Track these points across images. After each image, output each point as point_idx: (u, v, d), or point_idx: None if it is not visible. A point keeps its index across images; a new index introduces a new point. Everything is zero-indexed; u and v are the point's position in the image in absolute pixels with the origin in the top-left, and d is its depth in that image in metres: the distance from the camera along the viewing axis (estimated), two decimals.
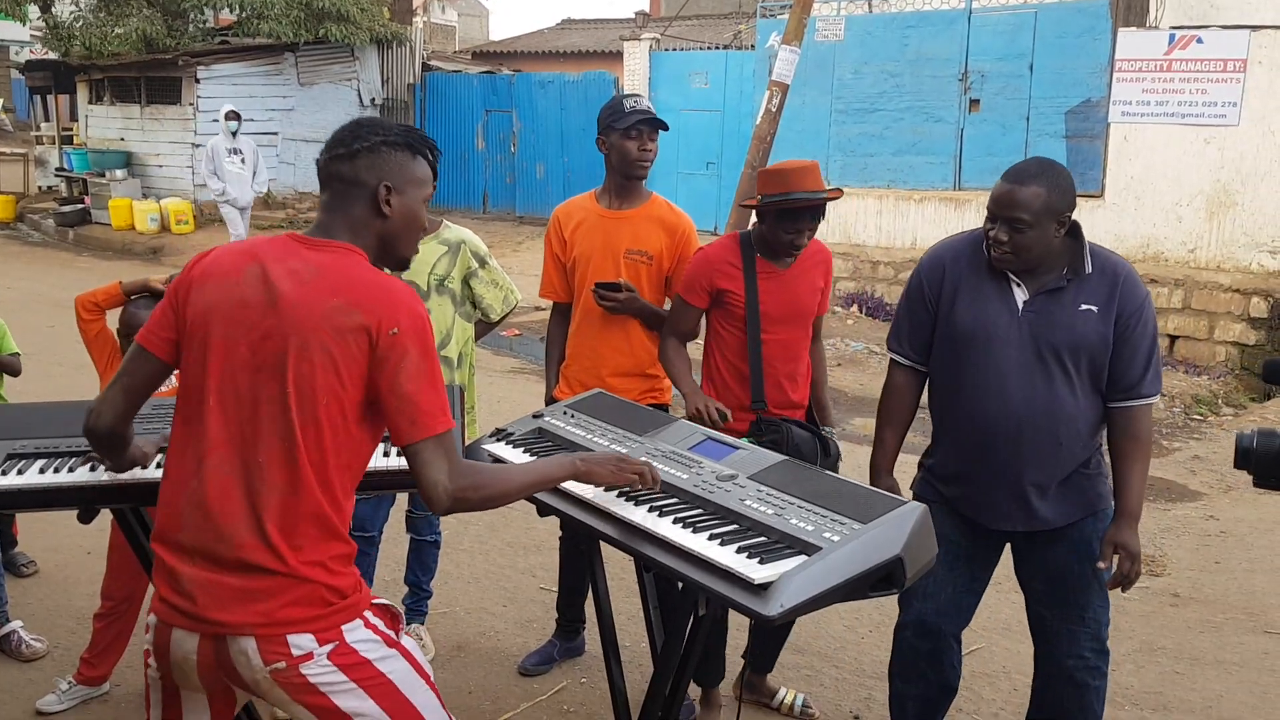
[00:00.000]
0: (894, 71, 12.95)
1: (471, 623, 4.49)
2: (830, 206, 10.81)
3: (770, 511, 2.18)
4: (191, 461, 2.05)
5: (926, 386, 3.23)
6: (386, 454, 2.52)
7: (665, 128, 3.73)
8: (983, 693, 4.05)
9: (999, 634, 4.50)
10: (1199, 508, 6.29)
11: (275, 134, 17.61)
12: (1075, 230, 2.92)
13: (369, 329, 2.01)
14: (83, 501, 2.46)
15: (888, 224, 12.93)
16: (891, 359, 3.23)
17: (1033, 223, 2.80)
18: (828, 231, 13.36)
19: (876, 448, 3.22)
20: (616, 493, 2.34)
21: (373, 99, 18.97)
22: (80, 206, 17.16)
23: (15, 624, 4.12)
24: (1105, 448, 3.08)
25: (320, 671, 2.01)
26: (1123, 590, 2.98)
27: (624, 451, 2.58)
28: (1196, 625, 4.64)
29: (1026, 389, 2.92)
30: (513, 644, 4.31)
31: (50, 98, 20.05)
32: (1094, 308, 2.89)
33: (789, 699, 3.84)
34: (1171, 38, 11.02)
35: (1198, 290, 10.55)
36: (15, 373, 4.35)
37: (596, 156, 3.78)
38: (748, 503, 2.24)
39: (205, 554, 2.02)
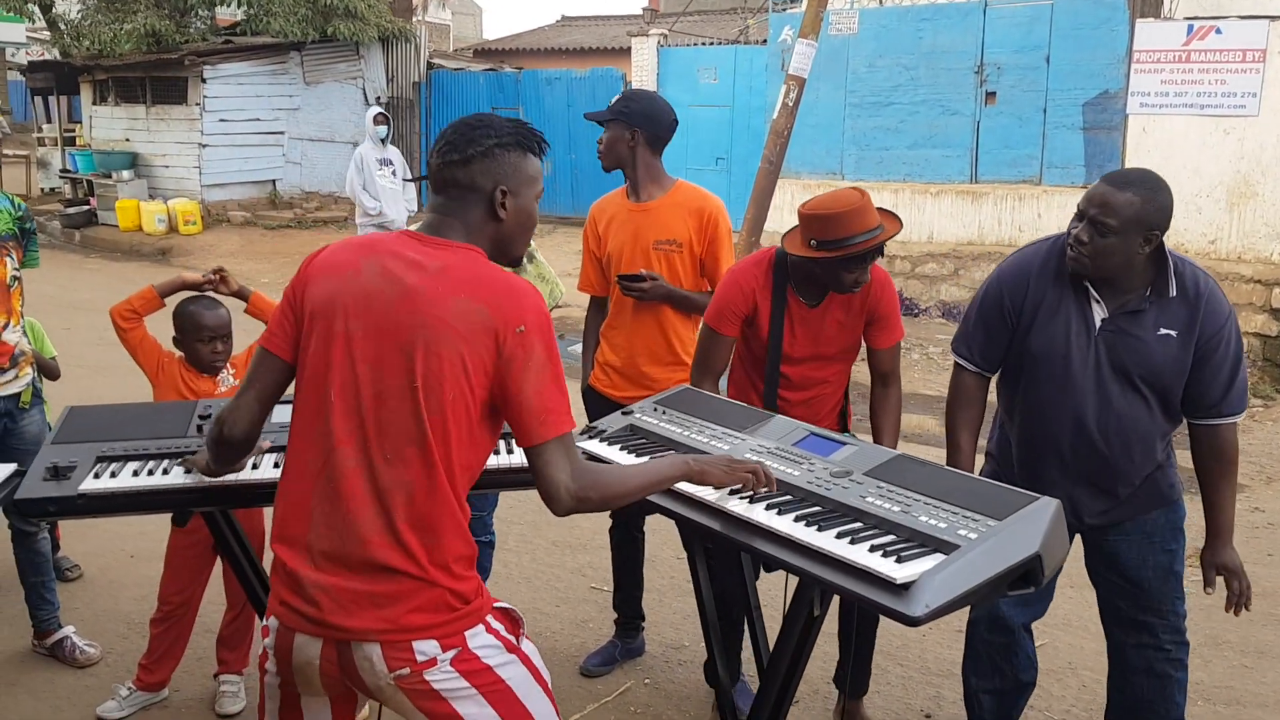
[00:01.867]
0: (909, 65, 12.89)
1: (526, 624, 4.43)
2: None
3: (896, 509, 2.13)
4: (316, 458, 2.00)
5: (998, 388, 3.16)
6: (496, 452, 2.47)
7: (601, 123, 3.72)
8: (1052, 690, 4.00)
9: (1060, 629, 4.45)
10: (1243, 500, 6.24)
11: (281, 133, 17.56)
12: (1161, 250, 2.82)
13: (496, 328, 1.97)
14: (178, 505, 2.40)
15: (904, 218, 12.84)
16: (957, 363, 3.12)
17: (1119, 229, 2.70)
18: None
19: (953, 451, 3.12)
20: (728, 491, 2.27)
21: (378, 97, 18.87)
22: (86, 208, 17.08)
23: (68, 629, 4.06)
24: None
25: (443, 678, 1.97)
26: (1235, 613, 2.96)
27: (726, 449, 2.52)
28: (1259, 618, 4.59)
29: (1101, 409, 2.86)
30: (570, 645, 4.26)
31: (52, 99, 19.93)
32: (1174, 333, 2.81)
33: None
34: (1190, 28, 10.97)
35: (1219, 281, 10.47)
36: (55, 376, 4.29)
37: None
38: (870, 499, 2.18)
39: (332, 555, 1.97)
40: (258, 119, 17.18)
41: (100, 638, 4.15)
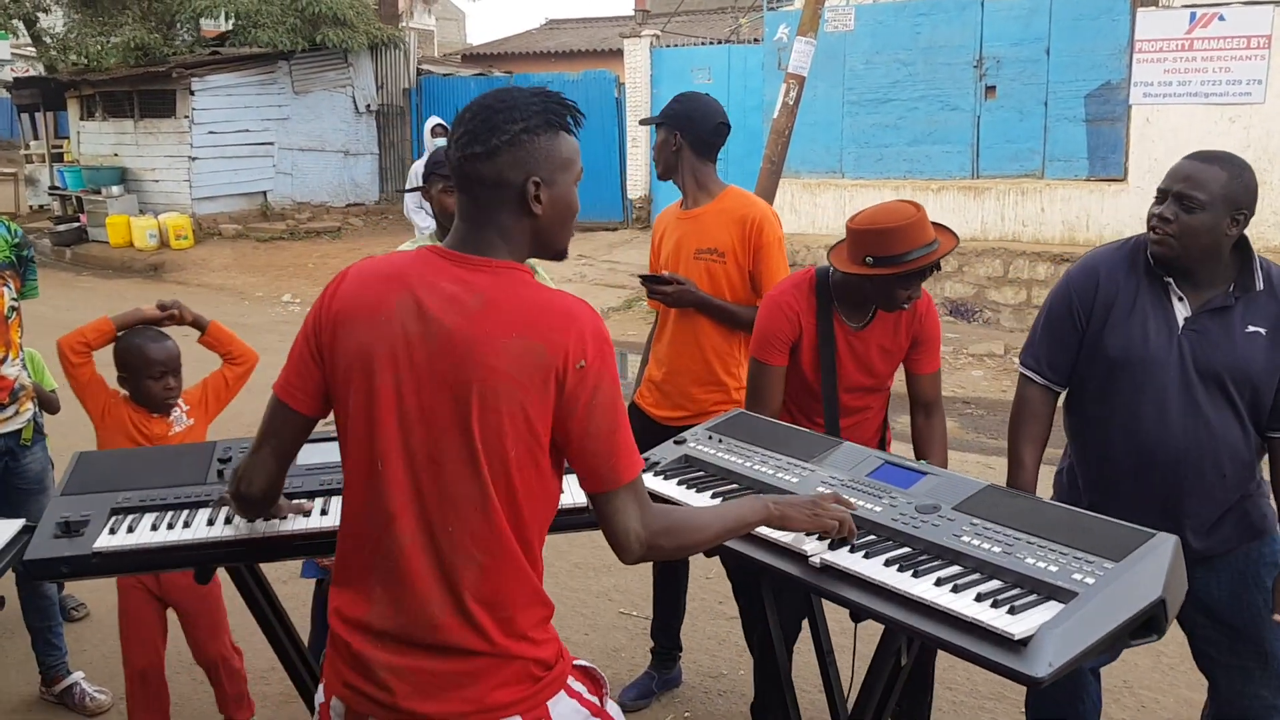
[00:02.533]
0: (906, 60, 12.72)
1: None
2: (848, 199, 10.60)
3: (997, 549, 1.94)
4: (371, 531, 1.79)
5: (1067, 406, 2.95)
6: None
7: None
8: (1111, 712, 3.81)
9: None
10: None
11: (271, 144, 17.33)
12: (1244, 243, 2.64)
13: (555, 366, 1.73)
14: (201, 560, 2.20)
15: None
16: (1024, 375, 2.92)
17: (1207, 204, 2.52)
18: (843, 225, 13.15)
19: (1015, 469, 2.90)
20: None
21: (368, 105, 18.69)
22: (76, 225, 16.83)
23: (77, 675, 3.87)
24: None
25: None
26: None
27: (795, 480, 2.33)
28: None
29: (1188, 417, 2.64)
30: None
31: (39, 115, 19.67)
32: (1262, 330, 2.62)
33: None
34: (1193, 16, 10.82)
35: None
36: (55, 410, 4.03)
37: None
38: (965, 539, 1.99)
39: (399, 637, 1.77)
40: (247, 130, 16.94)
41: (110, 682, 3.94)
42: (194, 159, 16.40)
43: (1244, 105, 10.61)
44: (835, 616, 2.71)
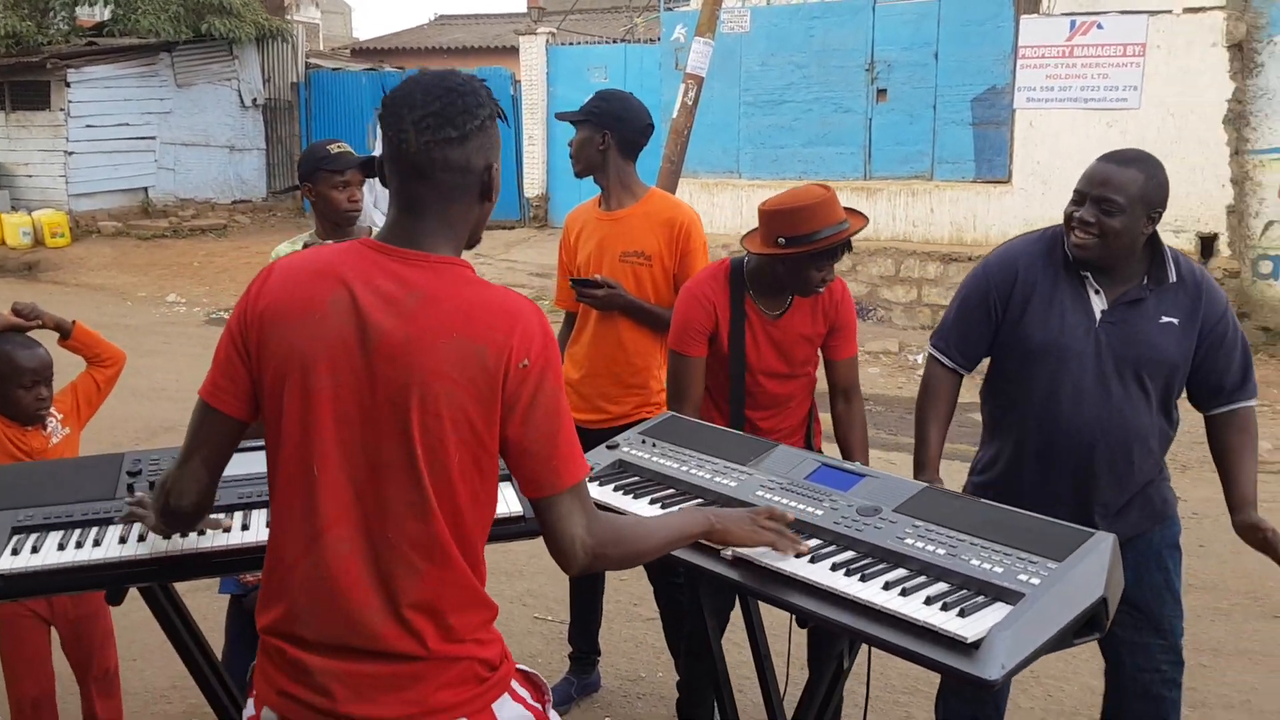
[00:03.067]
0: (801, 63, 12.90)
1: None
2: (744, 199, 10.72)
3: (942, 552, 1.94)
4: (302, 540, 1.70)
5: (984, 395, 3.03)
6: None
7: (573, 123, 3.50)
8: (1019, 702, 3.91)
9: None
10: None
11: (153, 138, 16.75)
12: (1155, 237, 2.72)
13: (497, 367, 1.66)
14: (114, 580, 2.07)
15: None
16: (934, 356, 2.99)
17: (1125, 207, 2.59)
18: (740, 224, 13.27)
19: (920, 445, 2.95)
20: None
21: (254, 99, 18.18)
22: None
23: None
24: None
25: None
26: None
27: (732, 485, 2.31)
28: (1206, 613, 4.60)
29: (1102, 406, 2.72)
30: None
31: None
32: (1175, 320, 2.71)
33: None
34: (1073, 24, 11.20)
35: None
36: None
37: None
38: (909, 541, 1.99)
39: (336, 645, 1.69)
40: (127, 124, 16.31)
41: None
42: (70, 154, 15.73)
43: (1121, 110, 11.01)
44: (768, 619, 2.71)
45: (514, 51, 18.15)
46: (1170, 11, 10.67)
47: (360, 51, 25.52)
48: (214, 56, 17.34)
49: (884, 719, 3.82)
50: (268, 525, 2.14)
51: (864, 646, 2.22)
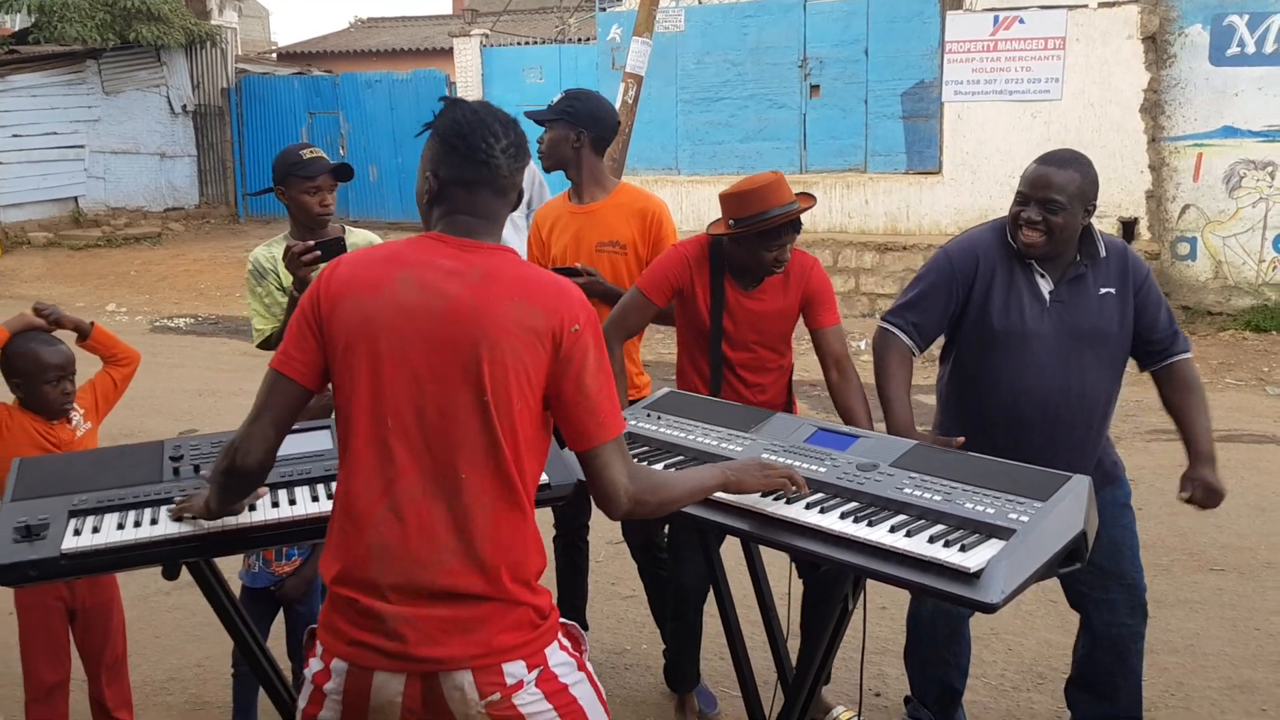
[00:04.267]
0: (735, 60, 13.17)
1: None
2: (684, 195, 11.03)
3: (939, 498, 2.17)
4: (375, 489, 1.88)
5: (946, 378, 3.25)
6: None
7: (542, 122, 3.66)
8: (983, 656, 4.16)
9: None
10: None
11: (82, 147, 16.50)
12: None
13: (552, 329, 1.89)
14: (171, 556, 2.20)
15: None
16: (890, 331, 3.11)
17: (1066, 205, 2.87)
18: (680, 219, 13.49)
19: (891, 407, 3.05)
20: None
21: (184, 105, 17.98)
22: None
23: None
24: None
25: (530, 700, 1.89)
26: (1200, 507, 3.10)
27: (739, 450, 2.51)
28: (1148, 569, 4.82)
29: (1061, 379, 2.98)
30: None
31: None
32: (1112, 289, 2.99)
33: (843, 718, 3.65)
34: (996, 19, 11.60)
35: None
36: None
37: None
38: (908, 490, 2.22)
39: (407, 588, 1.86)
40: (54, 132, 16.05)
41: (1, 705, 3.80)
42: None
43: (1044, 102, 11.44)
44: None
45: (444, 53, 18.19)
46: (1087, 6, 11.12)
47: (286, 55, 25.29)
48: (142, 63, 17.14)
49: (859, 675, 4.04)
50: (314, 500, 2.31)
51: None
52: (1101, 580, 3.15)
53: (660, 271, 3.36)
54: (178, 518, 2.22)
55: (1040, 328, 2.98)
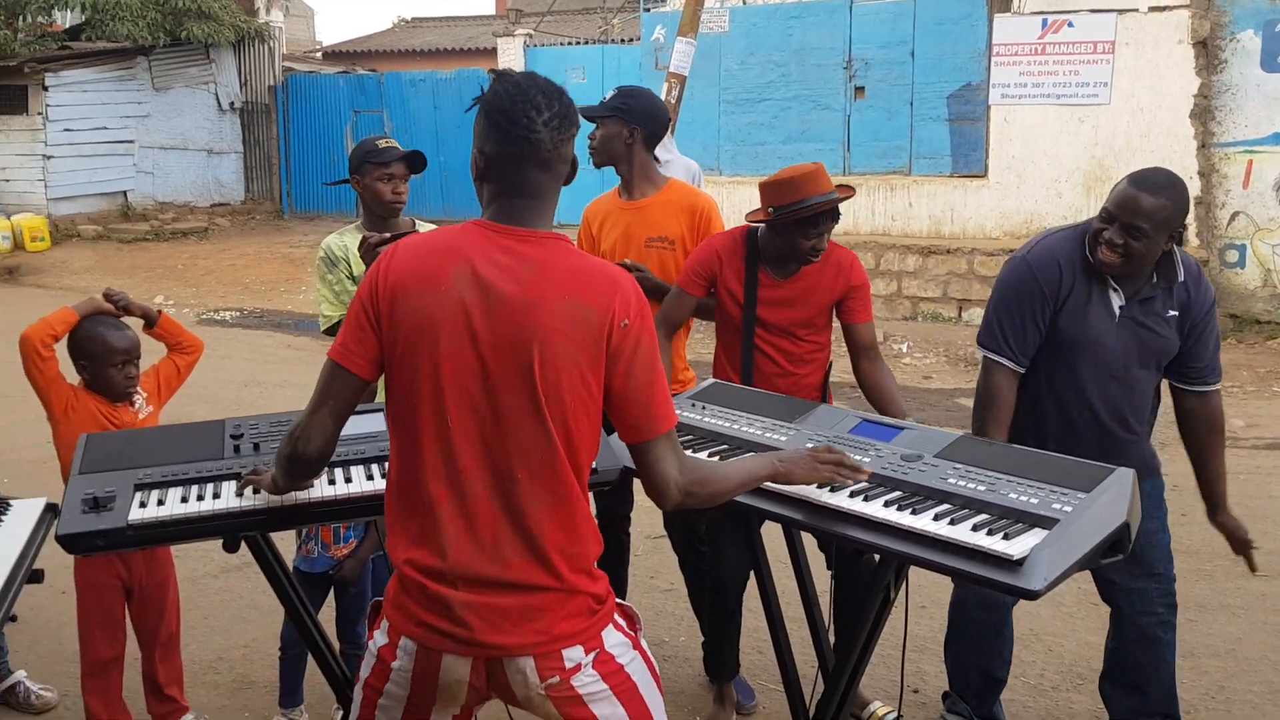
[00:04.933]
0: (780, 61, 13.18)
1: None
2: (726, 195, 11.02)
3: (982, 488, 2.20)
4: (439, 483, 1.92)
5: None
6: None
7: (593, 119, 3.68)
8: (1022, 656, 4.16)
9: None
10: None
11: (131, 142, 16.79)
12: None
13: (604, 324, 1.91)
14: (232, 530, 2.28)
15: None
16: (995, 361, 3.04)
17: (1151, 233, 2.81)
18: (723, 220, 13.50)
19: None
20: None
21: (231, 102, 18.24)
22: None
23: (20, 674, 3.81)
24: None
25: (587, 682, 1.96)
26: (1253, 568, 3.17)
27: (784, 440, 2.55)
28: (1191, 575, 4.88)
29: (1117, 391, 3.01)
30: None
31: None
32: (1176, 312, 3.00)
33: (881, 713, 3.66)
34: (1044, 22, 11.53)
35: None
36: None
37: None
38: (952, 481, 2.24)
39: (473, 578, 1.92)
40: (105, 127, 16.36)
41: (52, 680, 3.90)
42: (49, 158, 15.76)
43: (1092, 106, 11.36)
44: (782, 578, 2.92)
45: (488, 53, 18.36)
46: (1137, 10, 11.03)
47: (332, 54, 25.58)
48: (191, 60, 17.41)
49: (897, 673, 4.06)
50: (369, 479, 2.37)
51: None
52: (1132, 570, 3.16)
53: (692, 264, 3.45)
54: (243, 489, 2.29)
55: (1106, 340, 2.98)
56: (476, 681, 1.95)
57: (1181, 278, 2.96)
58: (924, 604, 4.50)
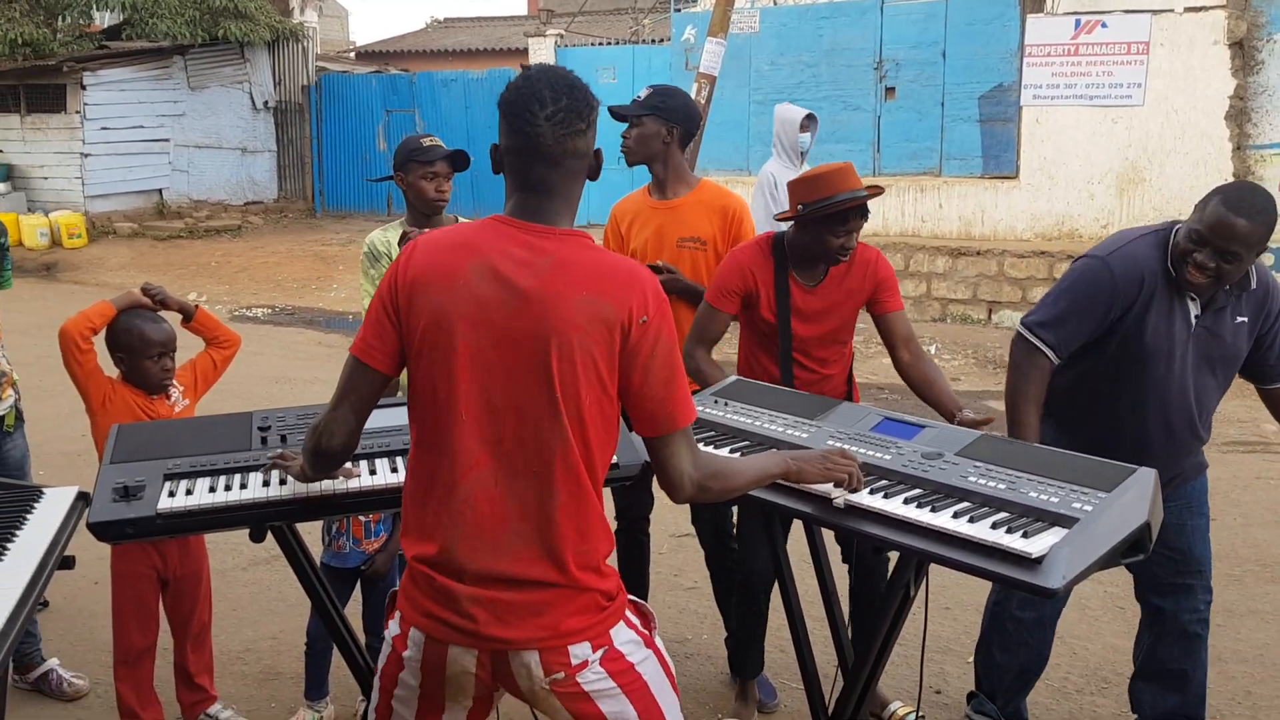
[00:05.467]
0: (810, 62, 13.16)
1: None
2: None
3: (1002, 486, 2.19)
4: (450, 477, 1.94)
5: (1070, 386, 3.14)
6: None
7: (628, 118, 3.68)
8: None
9: None
10: None
11: (167, 140, 17.00)
12: None
13: (621, 321, 1.90)
14: (259, 519, 2.31)
15: None
16: (1036, 344, 3.00)
17: (1243, 257, 2.78)
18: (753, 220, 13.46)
19: (1022, 430, 3.00)
20: None
21: (265, 101, 18.42)
22: None
23: (53, 662, 3.87)
24: None
25: (594, 678, 1.96)
26: None
27: (804, 437, 2.56)
28: (1219, 579, 4.78)
29: (1188, 398, 3.01)
30: None
31: None
32: (1245, 319, 2.98)
33: (902, 713, 3.65)
34: (1078, 23, 11.45)
35: None
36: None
37: None
38: (972, 479, 2.24)
39: (480, 573, 1.93)
40: (141, 126, 16.57)
41: (84, 668, 3.96)
42: (86, 155, 15.98)
43: (1125, 107, 11.26)
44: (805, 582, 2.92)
45: (519, 53, 18.43)
46: (1173, 10, 10.92)
47: (365, 54, 25.78)
48: (226, 59, 17.59)
49: (919, 673, 4.05)
50: (393, 471, 2.40)
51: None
52: (1179, 566, 3.17)
53: (722, 282, 3.40)
54: (272, 470, 2.33)
55: (1181, 349, 2.97)
56: (482, 674, 1.96)
57: (1254, 285, 2.95)
58: (948, 605, 4.49)
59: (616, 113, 3.71)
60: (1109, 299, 2.92)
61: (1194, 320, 2.95)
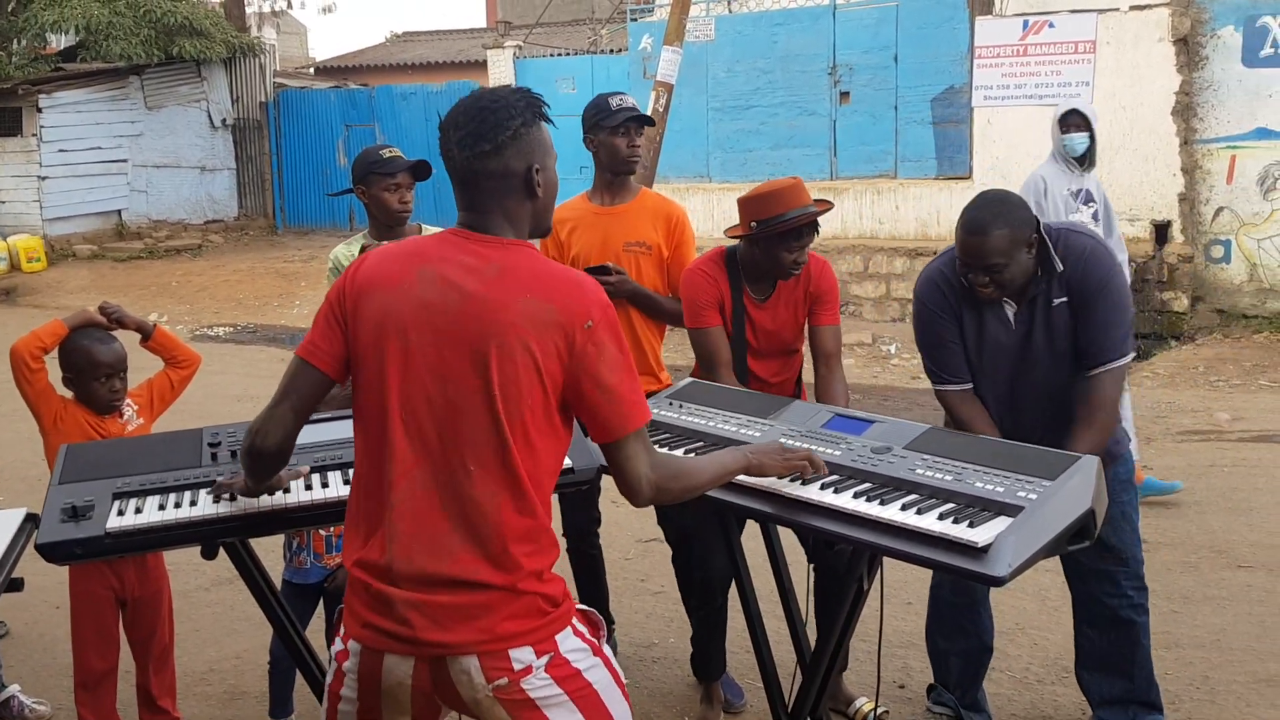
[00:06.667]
0: (766, 68, 13.25)
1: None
2: (715, 202, 11.12)
3: (949, 478, 2.23)
4: (387, 478, 1.94)
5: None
6: None
7: (652, 123, 3.72)
8: (1008, 650, 4.18)
9: (1002, 593, 4.65)
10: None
11: (125, 161, 16.87)
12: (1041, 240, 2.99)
13: (565, 324, 1.93)
14: (210, 536, 2.30)
15: None
16: (942, 392, 3.15)
17: (1007, 262, 2.86)
18: (711, 227, 13.55)
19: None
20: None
21: (224, 119, 18.30)
22: None
23: (14, 688, 3.83)
24: None
25: (539, 685, 1.93)
26: None
27: (757, 436, 2.58)
28: (1175, 567, 4.92)
29: (1033, 389, 3.06)
30: None
31: None
32: (1065, 299, 3.01)
33: (865, 709, 3.68)
34: (1025, 24, 11.59)
35: None
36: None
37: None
38: (919, 471, 2.27)
39: (416, 576, 1.92)
40: (98, 147, 16.43)
41: (46, 694, 3.91)
42: (44, 178, 15.83)
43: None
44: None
45: (479, 65, 18.41)
46: (1118, 9, 11.09)
47: (324, 70, 25.67)
48: (183, 78, 17.48)
49: (886, 669, 4.06)
50: (346, 483, 2.39)
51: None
52: (1099, 553, 3.17)
53: (695, 298, 3.41)
54: (219, 495, 2.32)
55: (1009, 346, 3.04)
56: (419, 684, 1.93)
57: (1061, 267, 2.96)
58: (909, 600, 4.52)
59: (643, 118, 3.73)
60: (937, 320, 3.08)
61: (1013, 321, 3.02)
